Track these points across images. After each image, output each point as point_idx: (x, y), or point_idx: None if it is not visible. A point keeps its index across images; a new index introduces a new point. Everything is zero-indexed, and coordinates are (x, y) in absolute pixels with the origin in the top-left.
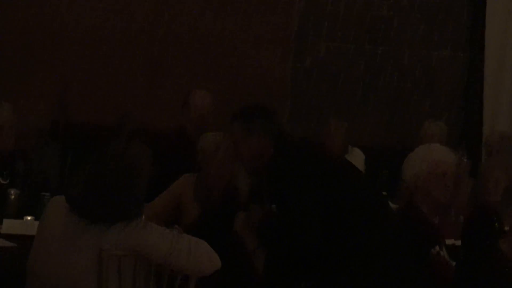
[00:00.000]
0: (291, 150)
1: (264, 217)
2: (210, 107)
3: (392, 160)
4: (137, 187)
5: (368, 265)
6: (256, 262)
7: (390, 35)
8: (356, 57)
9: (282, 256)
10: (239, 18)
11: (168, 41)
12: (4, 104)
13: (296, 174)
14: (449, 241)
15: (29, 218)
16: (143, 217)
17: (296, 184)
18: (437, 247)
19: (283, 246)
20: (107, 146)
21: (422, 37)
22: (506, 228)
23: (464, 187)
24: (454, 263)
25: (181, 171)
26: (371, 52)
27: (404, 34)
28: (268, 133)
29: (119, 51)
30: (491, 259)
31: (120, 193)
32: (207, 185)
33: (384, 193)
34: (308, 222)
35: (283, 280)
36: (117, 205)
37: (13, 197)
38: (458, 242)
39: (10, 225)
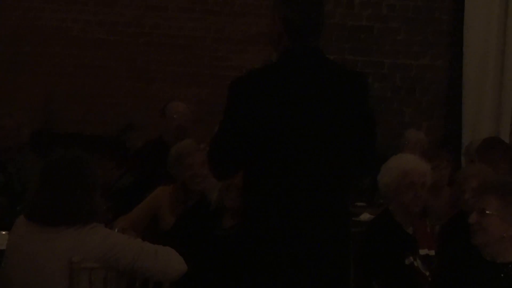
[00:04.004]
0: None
1: None
2: (188, 117)
3: None
4: (84, 189)
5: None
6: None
7: (370, 45)
8: None
9: None
10: (222, 24)
11: (151, 49)
12: None
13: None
14: (423, 251)
15: (3, 232)
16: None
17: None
18: (411, 257)
19: None
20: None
21: (401, 46)
22: None
23: (443, 195)
24: (427, 273)
25: (159, 181)
26: (351, 62)
27: (384, 43)
28: (282, 17)
29: (102, 61)
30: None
31: (66, 194)
32: (183, 192)
33: (362, 203)
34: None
35: None
36: (65, 206)
37: None
38: (432, 252)
39: None
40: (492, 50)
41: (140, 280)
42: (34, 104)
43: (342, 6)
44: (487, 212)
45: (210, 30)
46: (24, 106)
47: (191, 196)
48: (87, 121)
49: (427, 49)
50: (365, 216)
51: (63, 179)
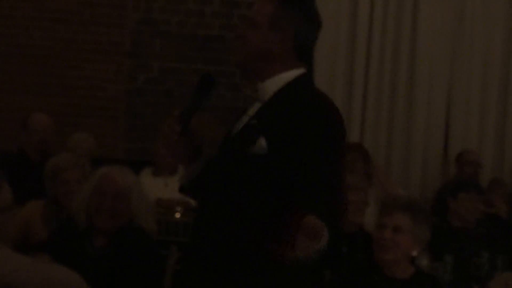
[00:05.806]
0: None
1: None
2: (51, 130)
3: None
4: None
5: None
6: None
7: (222, 54)
8: (189, 76)
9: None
10: (72, 33)
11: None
12: None
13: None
14: None
15: None
16: None
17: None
18: None
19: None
20: None
21: None
22: None
23: None
24: None
25: (25, 196)
26: (204, 71)
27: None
28: (297, 33)
29: None
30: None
31: None
32: (56, 207)
33: None
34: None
35: None
36: None
37: None
38: None
39: None
40: (341, 60)
41: None
42: None
43: (194, 16)
44: (403, 228)
45: (60, 39)
46: None
47: (63, 211)
48: None
49: None
50: None
51: None
